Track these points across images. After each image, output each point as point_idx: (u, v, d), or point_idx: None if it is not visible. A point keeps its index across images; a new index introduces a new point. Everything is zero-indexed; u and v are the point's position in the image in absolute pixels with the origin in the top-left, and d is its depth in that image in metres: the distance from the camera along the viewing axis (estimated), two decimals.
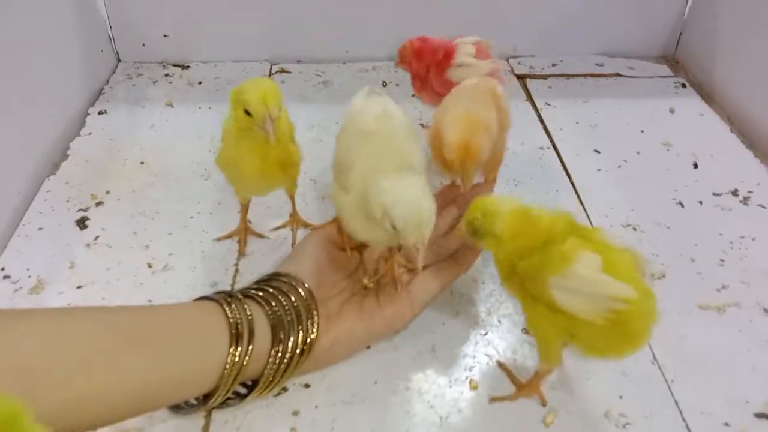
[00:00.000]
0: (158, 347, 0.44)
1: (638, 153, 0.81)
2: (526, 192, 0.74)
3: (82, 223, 0.69)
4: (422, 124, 0.85)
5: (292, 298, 0.52)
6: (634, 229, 0.69)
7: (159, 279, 0.63)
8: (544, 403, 0.52)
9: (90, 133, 0.84)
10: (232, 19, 0.97)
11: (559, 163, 0.79)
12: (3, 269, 0.64)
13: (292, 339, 0.50)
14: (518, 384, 0.54)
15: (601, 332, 0.44)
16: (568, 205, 0.73)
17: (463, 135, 0.54)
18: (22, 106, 0.75)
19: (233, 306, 0.49)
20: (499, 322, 0.59)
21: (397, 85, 0.95)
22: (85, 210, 0.71)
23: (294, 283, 0.53)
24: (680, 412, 0.52)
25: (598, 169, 0.78)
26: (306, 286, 0.53)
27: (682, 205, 0.73)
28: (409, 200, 0.47)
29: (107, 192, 0.74)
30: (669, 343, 0.57)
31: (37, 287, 0.62)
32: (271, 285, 0.53)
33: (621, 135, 0.84)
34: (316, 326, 0.51)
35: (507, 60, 1.01)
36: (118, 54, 1.00)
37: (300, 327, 0.51)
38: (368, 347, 0.56)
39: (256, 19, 0.97)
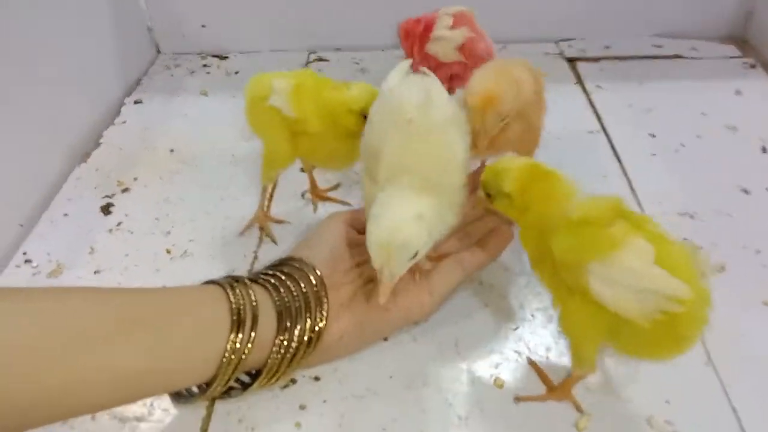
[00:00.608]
0: (152, 331, 0.41)
1: (698, 137, 0.73)
2: (571, 178, 0.68)
3: (106, 209, 0.68)
4: None
5: (302, 285, 0.48)
6: (691, 217, 0.62)
7: (177, 265, 0.61)
8: (579, 410, 0.47)
9: (124, 122, 0.83)
10: (270, 8, 0.95)
11: (609, 148, 0.73)
12: (25, 253, 0.63)
13: (299, 327, 0.46)
14: (549, 385, 0.49)
15: (644, 333, 0.38)
16: (616, 190, 0.66)
17: (487, 82, 0.50)
18: (57, 96, 0.75)
19: (237, 291, 0.46)
20: (533, 316, 0.54)
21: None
22: (111, 196, 0.70)
23: (305, 269, 0.49)
24: (738, 420, 0.45)
25: (653, 154, 0.71)
26: (318, 273, 0.49)
27: (747, 192, 0.65)
28: (384, 226, 0.43)
29: (135, 179, 0.73)
30: (727, 342, 0.50)
31: (55, 271, 0.61)
32: (282, 270, 0.50)
33: (679, 118, 0.77)
34: (325, 315, 0.47)
35: (556, 43, 0.95)
36: (158, 45, 0.99)
37: (308, 315, 0.47)
38: (385, 339, 0.52)
39: (293, 8, 0.95)
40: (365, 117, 0.52)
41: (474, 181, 0.58)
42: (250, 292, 0.46)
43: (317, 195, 0.68)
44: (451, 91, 0.68)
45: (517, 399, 0.48)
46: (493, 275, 0.57)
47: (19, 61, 0.69)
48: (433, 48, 0.66)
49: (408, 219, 0.42)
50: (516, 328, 0.53)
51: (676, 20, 0.94)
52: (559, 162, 0.70)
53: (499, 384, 0.48)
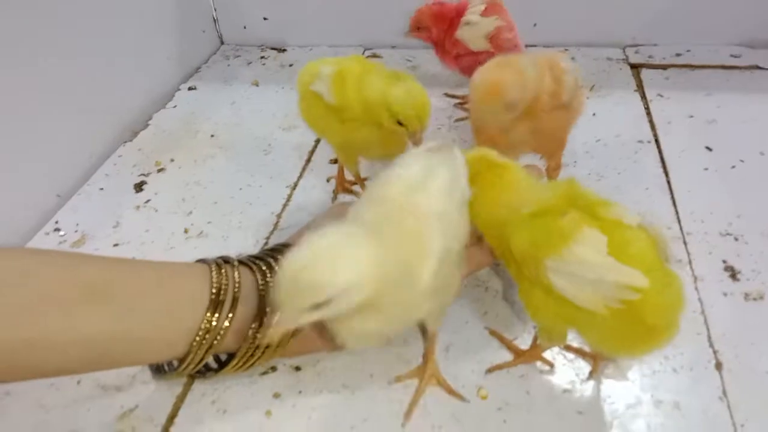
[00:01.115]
0: (120, 299, 0.41)
1: (762, 153, 0.66)
2: (609, 188, 0.63)
3: (139, 187, 0.70)
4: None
5: None
6: (736, 239, 0.56)
7: (190, 245, 0.62)
8: (549, 366, 0.46)
9: (175, 106, 0.86)
10: (329, 4, 0.95)
11: (658, 160, 0.67)
12: (57, 222, 0.66)
13: (278, 314, 0.45)
14: (516, 351, 0.48)
15: (611, 325, 0.36)
16: (657, 204, 0.61)
17: (490, 73, 0.48)
18: (116, 78, 0.79)
19: (223, 271, 0.45)
20: (535, 328, 0.50)
21: None
22: (147, 175, 0.72)
23: None
24: None
25: (705, 169, 0.65)
26: None
27: None
28: (303, 255, 0.34)
29: (171, 160, 0.74)
30: (748, 377, 0.44)
31: (78, 242, 0.63)
32: (274, 256, 0.49)
33: (743, 132, 0.70)
34: None
35: (623, 48, 0.89)
36: (221, 36, 1.02)
37: None
38: None
39: (352, 5, 0.95)
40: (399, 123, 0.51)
41: None
42: (236, 273, 0.46)
43: (342, 185, 0.67)
44: None
45: (489, 370, 0.47)
46: (501, 282, 0.54)
47: (88, 45, 0.73)
48: (462, 34, 0.64)
49: (340, 256, 0.35)
50: (513, 339, 0.49)
51: (759, 28, 0.86)
52: (601, 171, 0.66)
53: (482, 395, 0.45)
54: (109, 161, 0.75)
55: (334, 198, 0.66)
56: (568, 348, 0.47)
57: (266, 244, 0.61)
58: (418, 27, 0.69)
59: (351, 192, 0.67)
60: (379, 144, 0.57)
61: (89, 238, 0.63)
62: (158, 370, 0.47)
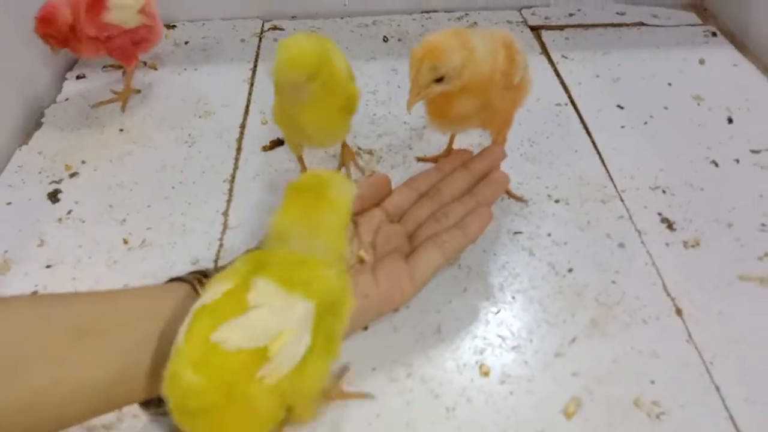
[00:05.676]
0: (111, 339, 0.38)
1: (666, 108, 0.73)
2: (542, 153, 0.67)
3: (54, 197, 0.63)
4: None
5: None
6: (664, 191, 0.62)
7: (135, 256, 0.57)
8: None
9: (67, 99, 0.77)
10: None
11: (579, 121, 0.72)
12: None
13: None
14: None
15: None
16: (589, 165, 0.65)
17: (437, 36, 0.48)
18: None
19: None
20: (513, 298, 0.53)
21: (399, 40, 0.88)
22: (58, 182, 0.65)
23: None
24: (722, 399, 0.45)
25: (622, 126, 0.71)
26: None
27: (717, 164, 0.65)
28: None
29: (83, 162, 0.68)
30: (706, 319, 0.50)
31: (1, 268, 0.56)
32: None
33: (646, 89, 0.76)
34: None
35: (519, 10, 0.93)
36: None
37: None
38: (365, 328, 0.50)
39: None
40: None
41: (452, 165, 0.56)
42: None
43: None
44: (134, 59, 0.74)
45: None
46: (471, 257, 0.56)
47: None
48: (113, 16, 0.67)
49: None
50: (497, 312, 0.51)
51: None
52: (532, 137, 0.69)
53: (485, 371, 0.47)
54: (8, 170, 0.66)
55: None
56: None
57: (221, 245, 0.58)
58: (43, 36, 0.68)
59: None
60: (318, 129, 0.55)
61: (14, 263, 0.56)
62: (147, 404, 0.44)
